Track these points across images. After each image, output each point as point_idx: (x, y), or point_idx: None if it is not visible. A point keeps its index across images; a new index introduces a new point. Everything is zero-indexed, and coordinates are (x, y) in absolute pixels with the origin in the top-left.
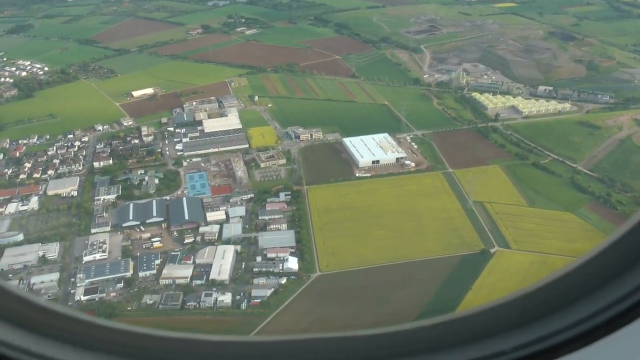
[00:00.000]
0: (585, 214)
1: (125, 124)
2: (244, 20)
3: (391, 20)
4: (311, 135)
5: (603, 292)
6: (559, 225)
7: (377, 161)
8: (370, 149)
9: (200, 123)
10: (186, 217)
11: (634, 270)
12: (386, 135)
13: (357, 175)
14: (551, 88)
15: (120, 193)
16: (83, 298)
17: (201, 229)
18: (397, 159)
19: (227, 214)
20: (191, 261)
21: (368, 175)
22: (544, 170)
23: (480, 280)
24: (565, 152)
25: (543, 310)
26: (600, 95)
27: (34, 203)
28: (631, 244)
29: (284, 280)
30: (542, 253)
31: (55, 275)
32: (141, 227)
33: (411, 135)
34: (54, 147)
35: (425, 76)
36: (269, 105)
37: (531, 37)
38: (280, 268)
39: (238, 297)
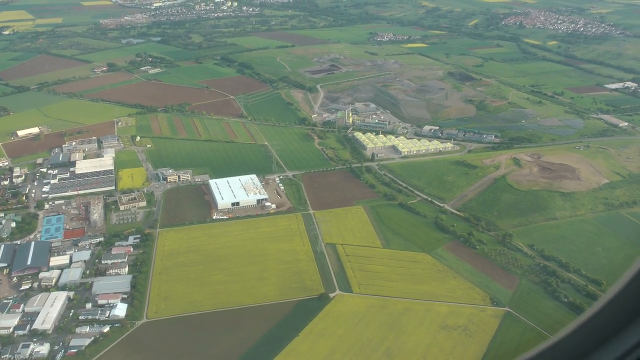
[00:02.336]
0: (441, 254)
1: (0, 164)
2: (151, 59)
3: (294, 59)
4: (179, 177)
5: None
6: (410, 266)
7: (237, 203)
8: (233, 190)
9: (74, 164)
10: (29, 262)
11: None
12: (253, 176)
13: (214, 217)
14: (437, 127)
15: None
16: None
17: (41, 274)
18: (258, 200)
19: (71, 258)
20: (20, 309)
21: (225, 217)
22: (410, 210)
23: (310, 326)
24: (436, 191)
25: None
26: (485, 135)
27: None
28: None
29: (107, 329)
30: (383, 296)
31: None
32: None
33: (281, 176)
34: None
35: (314, 115)
36: (149, 145)
37: (428, 77)
38: (107, 315)
39: (56, 347)
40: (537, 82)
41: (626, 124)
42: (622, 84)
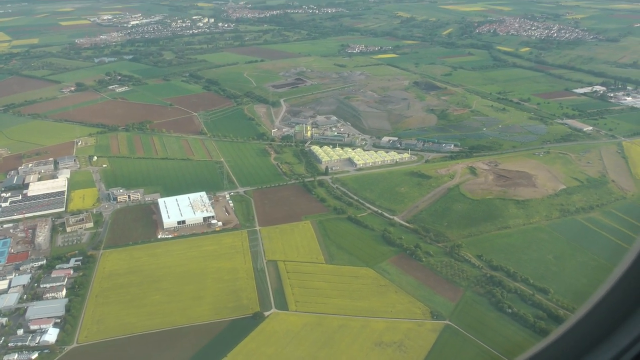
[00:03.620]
0: (384, 268)
1: None
2: (120, 77)
3: (261, 74)
4: (129, 196)
5: None
6: (352, 281)
7: (183, 221)
8: (181, 209)
9: (27, 186)
10: None
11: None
12: (203, 194)
13: (159, 236)
14: (395, 138)
15: None
16: None
17: None
18: (205, 218)
19: (10, 283)
20: None
21: (170, 236)
22: (358, 224)
23: (240, 346)
24: (387, 204)
25: None
26: (444, 145)
27: None
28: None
29: (35, 355)
30: (320, 313)
31: None
32: None
33: (232, 193)
34: None
35: (274, 130)
36: (104, 165)
37: (393, 87)
38: (37, 341)
39: None
40: (505, 89)
41: (591, 128)
42: (590, 88)
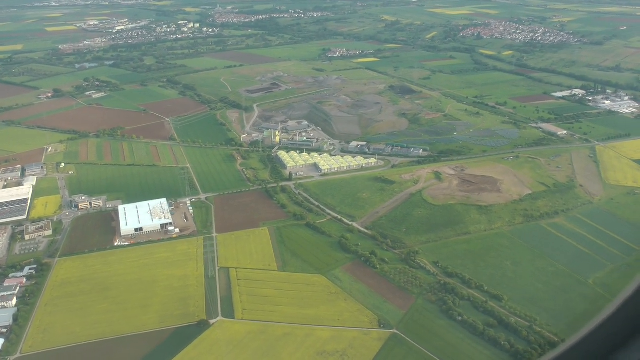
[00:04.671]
0: (337, 276)
1: None
2: (97, 83)
3: (238, 79)
4: (90, 203)
5: None
6: (302, 289)
7: (141, 229)
8: (139, 216)
9: None
10: None
11: None
12: (163, 200)
13: (116, 244)
14: (364, 143)
15: None
16: None
17: None
18: (162, 225)
19: None
20: None
21: (127, 243)
22: (316, 230)
23: (181, 355)
24: (348, 209)
25: None
26: (413, 149)
27: None
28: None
29: None
30: (265, 321)
31: None
32: None
33: (193, 199)
34: None
35: (243, 136)
36: (71, 172)
37: (368, 91)
38: None
39: None
40: (482, 93)
41: (565, 132)
42: (569, 91)
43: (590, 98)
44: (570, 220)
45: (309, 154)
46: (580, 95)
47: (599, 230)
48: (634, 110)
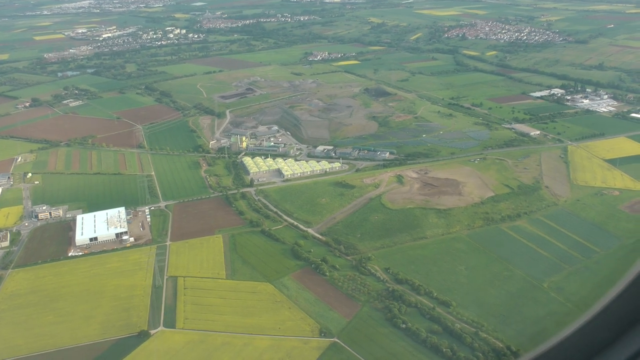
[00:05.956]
0: (285, 284)
1: None
2: (76, 92)
3: (215, 85)
4: (50, 214)
5: None
6: (248, 297)
7: (95, 238)
8: (96, 225)
9: None
10: None
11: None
12: (122, 209)
13: (70, 254)
14: (330, 147)
15: None
16: None
17: None
18: (117, 234)
19: None
20: None
21: (80, 253)
22: (270, 237)
23: None
24: (305, 215)
25: None
26: (379, 153)
27: None
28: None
29: None
30: (206, 331)
31: None
32: None
33: (152, 207)
34: None
35: (212, 142)
36: (36, 182)
37: (342, 95)
38: None
39: None
40: (460, 94)
41: (538, 132)
42: (548, 91)
43: (569, 97)
44: (532, 222)
45: (273, 159)
46: (559, 95)
47: (560, 232)
48: (612, 109)
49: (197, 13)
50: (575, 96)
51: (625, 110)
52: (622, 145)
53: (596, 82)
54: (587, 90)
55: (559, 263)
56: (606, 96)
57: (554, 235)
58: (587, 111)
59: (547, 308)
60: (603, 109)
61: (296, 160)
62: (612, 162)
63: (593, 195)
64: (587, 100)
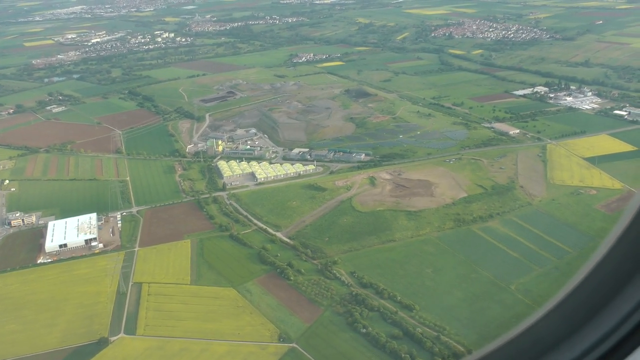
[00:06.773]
0: (248, 289)
1: None
2: (60, 97)
3: (197, 89)
4: (23, 220)
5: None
6: (210, 303)
7: (65, 245)
8: (67, 231)
9: None
10: None
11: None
12: (93, 215)
13: (39, 261)
14: (306, 150)
15: None
16: None
17: None
18: (86, 240)
19: None
20: None
21: (49, 260)
22: (238, 241)
23: None
24: (275, 219)
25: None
26: (355, 154)
27: None
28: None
29: None
30: (165, 337)
31: None
32: None
33: (124, 213)
34: None
35: (190, 146)
36: (12, 189)
37: (322, 96)
38: None
39: None
40: (442, 94)
41: (517, 131)
42: (531, 89)
43: (552, 95)
44: (504, 223)
45: (248, 162)
46: (542, 93)
47: (532, 233)
48: (596, 106)
49: (187, 16)
50: (558, 94)
51: (608, 107)
52: (603, 143)
53: (581, 79)
54: (571, 87)
55: (528, 264)
56: (590, 93)
57: (525, 235)
58: (570, 109)
59: (512, 310)
60: (586, 106)
61: (271, 163)
62: (591, 160)
63: (569, 195)
64: (571, 98)
